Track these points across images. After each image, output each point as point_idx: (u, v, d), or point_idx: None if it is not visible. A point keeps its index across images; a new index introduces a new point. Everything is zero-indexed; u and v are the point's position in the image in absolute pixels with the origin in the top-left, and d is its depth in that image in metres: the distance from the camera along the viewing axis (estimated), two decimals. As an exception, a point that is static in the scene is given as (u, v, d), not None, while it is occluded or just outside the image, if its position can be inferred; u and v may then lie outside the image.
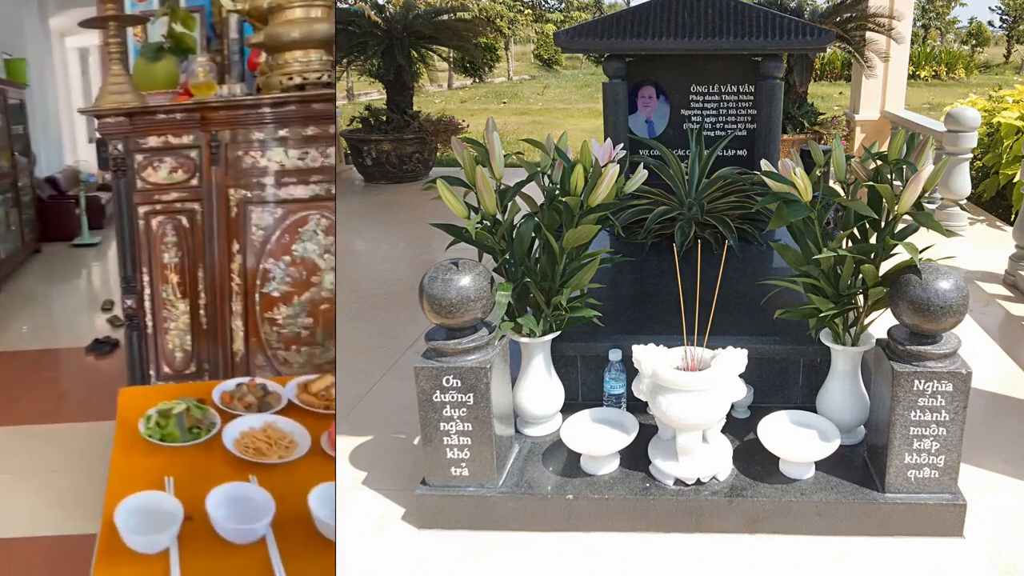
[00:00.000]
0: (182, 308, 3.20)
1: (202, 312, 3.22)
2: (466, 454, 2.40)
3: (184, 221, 3.14)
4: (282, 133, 3.04)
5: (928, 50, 26.34)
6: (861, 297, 2.46)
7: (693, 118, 3.75)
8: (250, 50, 3.35)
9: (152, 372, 3.29)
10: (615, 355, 2.68)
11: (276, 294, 3.13)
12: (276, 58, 3.02)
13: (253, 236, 3.11)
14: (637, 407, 2.68)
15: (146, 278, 3.19)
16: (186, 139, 3.08)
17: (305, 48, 2.99)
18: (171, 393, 2.43)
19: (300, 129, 3.04)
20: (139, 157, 3.10)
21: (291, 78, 2.98)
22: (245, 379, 2.54)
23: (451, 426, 2.38)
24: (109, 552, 1.82)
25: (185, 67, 3.39)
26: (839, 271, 2.43)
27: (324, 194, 3.09)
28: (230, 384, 2.50)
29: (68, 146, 9.26)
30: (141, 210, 3.14)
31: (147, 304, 3.22)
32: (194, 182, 3.11)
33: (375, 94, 17.18)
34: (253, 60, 3.35)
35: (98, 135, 3.05)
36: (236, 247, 3.13)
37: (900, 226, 2.40)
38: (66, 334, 5.09)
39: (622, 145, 2.82)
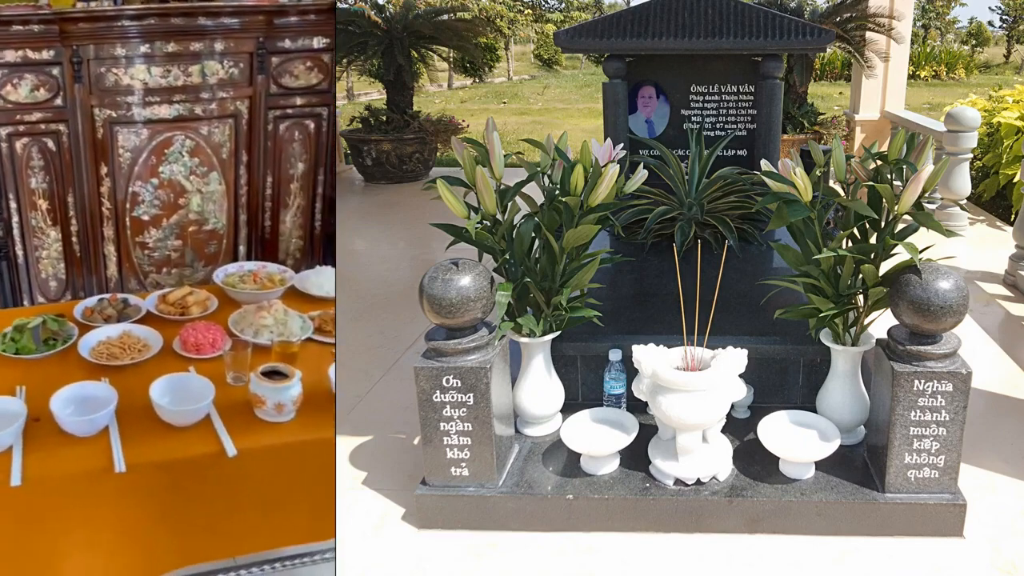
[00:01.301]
0: (53, 236, 3.14)
1: (74, 239, 3.17)
2: (466, 454, 2.40)
3: (50, 143, 3.05)
4: (144, 49, 2.98)
5: (928, 50, 26.27)
6: (861, 297, 2.46)
7: (693, 118, 3.75)
8: None
9: (26, 303, 3.22)
10: (615, 355, 2.68)
11: (146, 218, 3.15)
12: None
13: (121, 158, 3.08)
14: (637, 407, 2.67)
15: (13, 205, 3.09)
16: (46, 54, 2.95)
17: None
18: (30, 313, 2.49)
19: (162, 45, 2.99)
20: None
21: None
22: (107, 295, 2.61)
23: (451, 426, 2.38)
24: None
25: None
26: (839, 271, 2.43)
27: (188, 114, 3.07)
28: (92, 300, 2.59)
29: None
30: (3, 131, 3.03)
31: (16, 232, 3.13)
32: (58, 101, 3.02)
33: (375, 94, 17.13)
34: None
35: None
36: (104, 170, 3.09)
37: (900, 226, 2.40)
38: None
39: (622, 145, 2.82)
